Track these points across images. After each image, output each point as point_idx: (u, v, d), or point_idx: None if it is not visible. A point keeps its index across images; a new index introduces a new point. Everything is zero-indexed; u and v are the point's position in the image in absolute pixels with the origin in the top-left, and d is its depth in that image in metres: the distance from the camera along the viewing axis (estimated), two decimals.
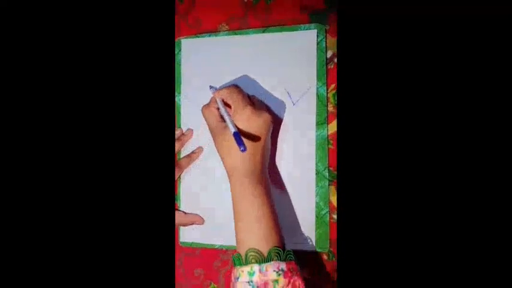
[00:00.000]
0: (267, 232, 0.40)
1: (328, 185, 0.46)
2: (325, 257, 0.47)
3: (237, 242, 0.41)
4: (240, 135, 0.39)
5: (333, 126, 0.47)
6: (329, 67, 0.47)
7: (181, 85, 0.52)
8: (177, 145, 0.50)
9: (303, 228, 0.47)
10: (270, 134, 0.44)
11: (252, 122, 0.41)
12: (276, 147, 0.48)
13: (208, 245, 0.50)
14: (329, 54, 0.47)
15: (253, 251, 0.39)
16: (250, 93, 0.47)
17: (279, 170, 0.48)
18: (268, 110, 0.45)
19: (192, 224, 0.50)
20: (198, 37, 0.51)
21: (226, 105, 0.44)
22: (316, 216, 0.46)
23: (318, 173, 0.47)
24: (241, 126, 0.41)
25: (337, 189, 0.46)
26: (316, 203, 0.46)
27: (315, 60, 0.47)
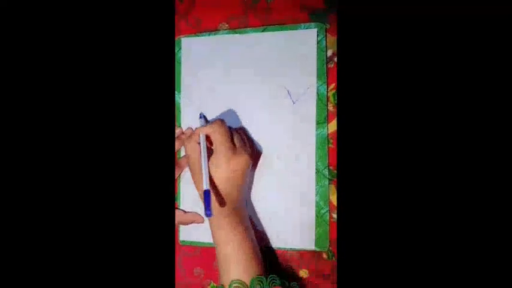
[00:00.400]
0: (249, 265, 0.41)
1: (328, 184, 0.46)
2: (324, 256, 0.47)
3: (220, 277, 0.43)
4: (210, 194, 0.40)
5: (333, 126, 0.47)
6: (329, 66, 0.47)
7: (181, 84, 0.52)
8: (177, 144, 0.50)
9: (302, 228, 0.47)
10: (249, 172, 0.45)
11: (231, 165, 0.42)
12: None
13: (208, 243, 0.50)
14: (329, 53, 0.47)
15: (237, 282, 0.40)
16: (237, 126, 0.48)
17: (279, 168, 0.48)
18: (249, 146, 0.45)
19: (192, 222, 0.50)
20: (198, 36, 0.51)
21: (209, 140, 0.44)
22: (316, 216, 0.46)
23: (317, 172, 0.47)
24: (220, 167, 0.42)
25: (337, 189, 0.46)
26: (316, 202, 0.46)
27: (315, 59, 0.47)
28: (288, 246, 0.47)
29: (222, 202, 0.42)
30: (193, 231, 0.51)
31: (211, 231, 0.43)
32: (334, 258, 0.46)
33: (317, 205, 0.46)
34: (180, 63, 0.52)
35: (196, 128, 0.45)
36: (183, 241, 0.51)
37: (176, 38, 0.52)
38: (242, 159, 0.43)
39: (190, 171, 0.45)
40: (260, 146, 0.48)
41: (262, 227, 0.48)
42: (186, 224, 0.51)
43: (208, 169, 0.42)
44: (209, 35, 0.51)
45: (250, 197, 0.49)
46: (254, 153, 0.47)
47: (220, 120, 0.44)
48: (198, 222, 0.50)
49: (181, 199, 0.51)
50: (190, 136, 0.45)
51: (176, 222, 0.50)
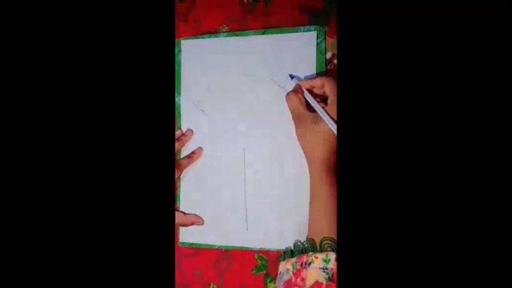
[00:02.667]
0: (333, 224, 0.40)
1: None
2: None
3: (309, 227, 0.42)
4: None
5: None
6: (328, 68, 0.47)
7: (181, 86, 0.52)
8: (177, 145, 0.51)
9: (302, 228, 0.47)
10: None
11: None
12: None
13: (207, 245, 0.50)
14: (328, 55, 0.47)
15: (329, 240, 0.39)
16: None
17: (279, 169, 0.48)
18: None
19: (192, 224, 0.50)
20: (198, 38, 0.51)
21: (312, 94, 0.44)
22: None
23: None
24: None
25: (337, 190, 0.46)
26: None
27: (315, 62, 0.47)
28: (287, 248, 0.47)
29: (328, 150, 0.42)
30: (193, 233, 0.51)
31: (310, 178, 0.43)
32: None
33: None
34: (180, 65, 0.52)
35: (297, 82, 0.46)
36: (183, 242, 0.51)
37: (176, 40, 0.52)
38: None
39: (295, 124, 0.45)
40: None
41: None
42: (186, 225, 0.51)
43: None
44: (209, 37, 0.51)
45: (247, 199, 0.49)
46: None
47: (327, 76, 0.44)
48: (198, 224, 0.50)
49: (181, 201, 0.51)
50: (294, 90, 0.45)
51: (176, 223, 0.50)
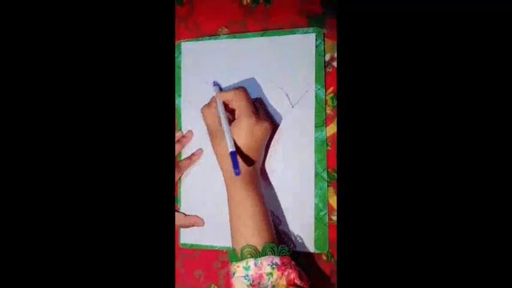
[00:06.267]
0: (260, 229, 0.41)
1: (327, 186, 0.47)
2: (324, 258, 0.47)
3: (232, 239, 0.43)
4: (236, 155, 0.40)
5: (331, 129, 0.47)
6: (327, 70, 0.48)
7: (182, 88, 0.52)
8: (177, 147, 0.51)
9: (302, 230, 0.47)
10: (266, 141, 0.46)
11: (254, 131, 0.43)
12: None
13: (208, 246, 0.50)
14: (327, 57, 0.48)
15: (249, 247, 0.40)
16: (255, 96, 0.48)
17: (279, 171, 0.48)
18: (269, 116, 0.47)
19: (192, 225, 0.51)
20: (198, 40, 0.52)
21: (228, 108, 0.45)
22: (315, 218, 0.47)
23: (316, 174, 0.47)
24: (242, 134, 0.42)
25: (337, 191, 0.46)
26: (315, 204, 0.47)
27: (314, 64, 0.47)
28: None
29: (247, 162, 0.43)
30: (193, 234, 0.51)
31: (227, 192, 0.44)
32: (333, 260, 0.47)
33: (316, 207, 0.47)
34: (180, 67, 0.52)
35: (214, 92, 0.47)
36: (184, 244, 0.51)
37: (176, 43, 0.52)
38: (263, 126, 0.43)
39: (210, 137, 0.45)
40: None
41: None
42: (187, 227, 0.51)
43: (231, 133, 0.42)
44: (209, 39, 0.51)
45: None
46: (274, 123, 0.47)
47: (242, 88, 0.45)
48: (199, 225, 0.50)
49: (181, 202, 0.52)
50: (208, 104, 0.46)
51: (176, 225, 0.51)
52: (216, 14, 0.51)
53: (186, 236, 0.51)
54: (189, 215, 0.51)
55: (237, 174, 0.39)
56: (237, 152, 0.42)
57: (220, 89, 0.49)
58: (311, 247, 0.47)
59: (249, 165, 0.43)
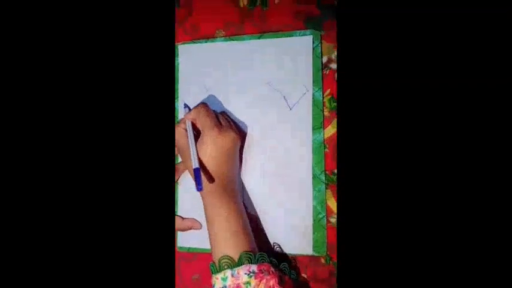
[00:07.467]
0: (236, 238, 0.41)
1: (325, 188, 0.47)
2: (322, 261, 0.47)
3: (211, 251, 0.43)
4: (200, 172, 0.41)
5: (328, 131, 0.47)
6: (325, 72, 0.48)
7: (179, 90, 0.52)
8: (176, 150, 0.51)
9: (300, 232, 0.47)
10: (237, 150, 0.46)
11: (218, 143, 0.43)
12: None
13: (205, 249, 0.50)
14: (324, 59, 0.48)
15: (226, 258, 0.41)
16: (220, 110, 0.49)
17: (276, 174, 0.48)
18: (235, 127, 0.47)
19: (190, 229, 0.50)
20: (195, 43, 0.52)
21: (195, 127, 0.46)
22: (314, 220, 0.47)
23: (314, 177, 0.47)
24: (208, 148, 0.43)
25: (337, 194, 0.46)
26: (314, 206, 0.47)
27: (311, 66, 0.48)
28: (285, 252, 0.47)
29: (210, 179, 0.43)
30: (191, 238, 0.51)
31: (203, 205, 0.44)
32: (331, 263, 0.46)
33: (314, 210, 0.47)
34: (177, 69, 0.52)
35: (184, 114, 0.48)
36: (181, 247, 0.51)
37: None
38: (229, 137, 0.44)
39: (180, 156, 0.47)
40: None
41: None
42: (184, 230, 0.51)
43: (196, 149, 0.43)
44: (206, 42, 0.51)
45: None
46: (240, 133, 0.48)
47: (203, 103, 0.46)
48: (196, 229, 0.50)
49: (179, 205, 0.51)
50: (178, 124, 0.47)
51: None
52: (213, 16, 0.51)
53: (184, 240, 0.51)
54: (186, 218, 0.51)
55: (199, 190, 0.40)
56: (204, 166, 0.42)
57: (190, 110, 0.50)
58: (309, 250, 0.47)
59: (221, 178, 0.43)
